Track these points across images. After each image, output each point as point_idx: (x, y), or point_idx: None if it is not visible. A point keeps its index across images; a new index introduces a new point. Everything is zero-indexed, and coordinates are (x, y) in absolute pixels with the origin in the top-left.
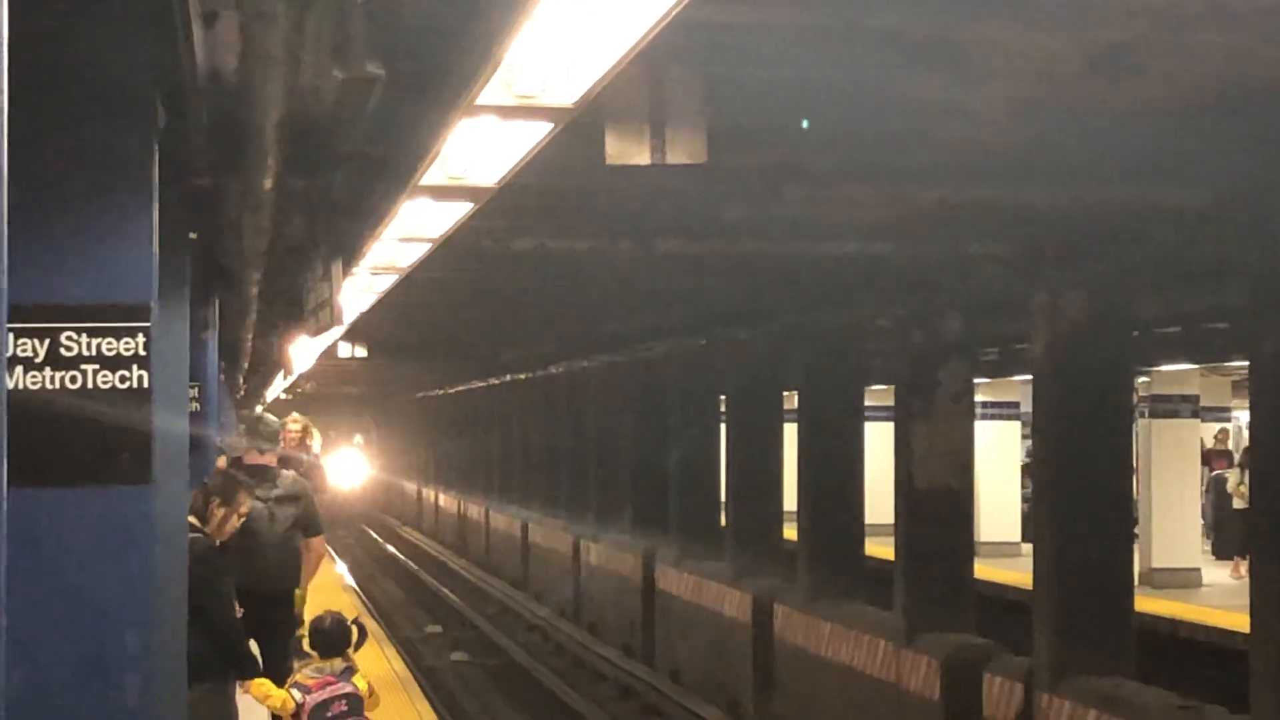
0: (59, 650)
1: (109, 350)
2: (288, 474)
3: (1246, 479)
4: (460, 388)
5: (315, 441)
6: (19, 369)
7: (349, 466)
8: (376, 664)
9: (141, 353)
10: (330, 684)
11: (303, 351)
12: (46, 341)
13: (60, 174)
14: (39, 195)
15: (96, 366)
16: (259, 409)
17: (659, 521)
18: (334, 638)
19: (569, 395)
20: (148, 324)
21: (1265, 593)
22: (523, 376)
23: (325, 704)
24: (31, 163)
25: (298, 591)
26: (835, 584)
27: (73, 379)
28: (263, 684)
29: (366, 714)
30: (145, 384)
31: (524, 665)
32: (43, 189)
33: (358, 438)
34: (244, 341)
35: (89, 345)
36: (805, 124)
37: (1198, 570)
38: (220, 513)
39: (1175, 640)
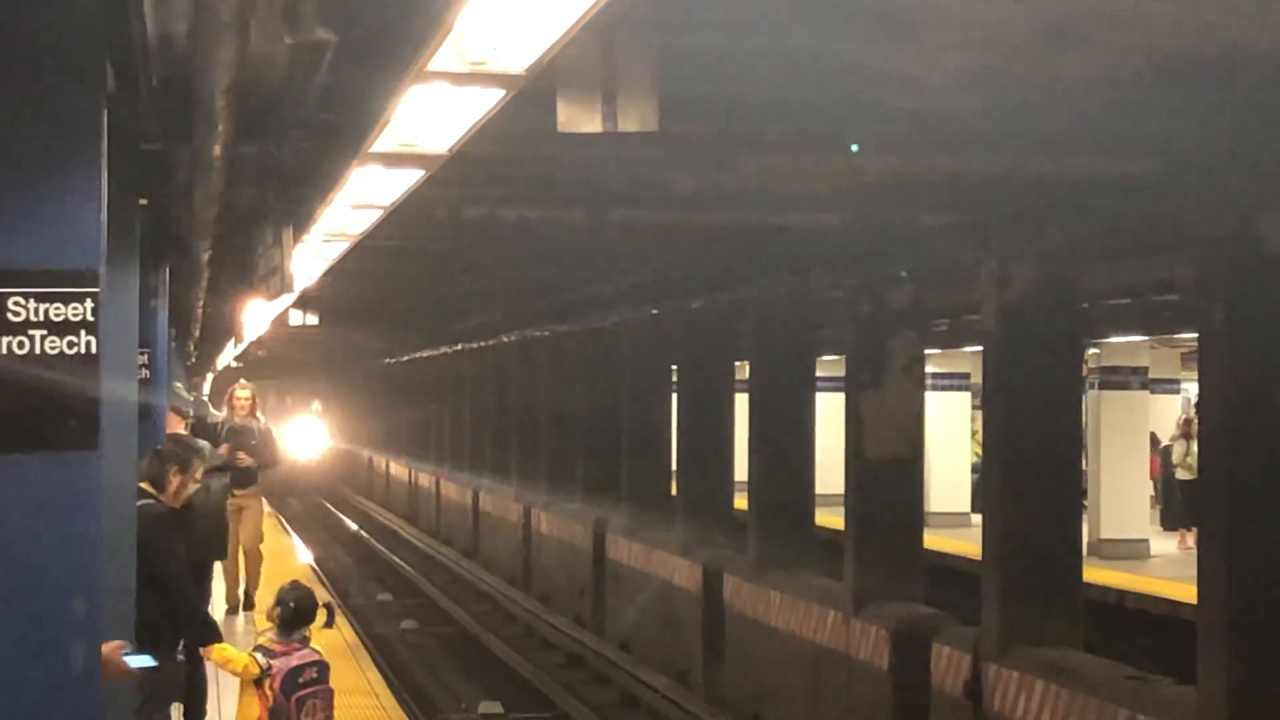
0: (3, 619)
1: (57, 315)
2: (206, 444)
3: (1193, 450)
4: (413, 356)
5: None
6: None
7: (306, 435)
8: (326, 632)
9: (90, 318)
10: (298, 651)
11: (254, 318)
12: None
13: (4, 138)
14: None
15: (44, 332)
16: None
17: (610, 491)
18: (301, 610)
19: (520, 364)
20: (96, 289)
21: (1211, 561)
22: (475, 345)
23: (298, 670)
24: None
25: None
26: (785, 554)
27: (20, 344)
28: (223, 649)
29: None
30: (93, 350)
31: (474, 634)
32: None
33: (316, 404)
34: (195, 308)
35: (36, 310)
36: (854, 148)
37: (1146, 541)
38: (176, 480)
39: (1123, 611)
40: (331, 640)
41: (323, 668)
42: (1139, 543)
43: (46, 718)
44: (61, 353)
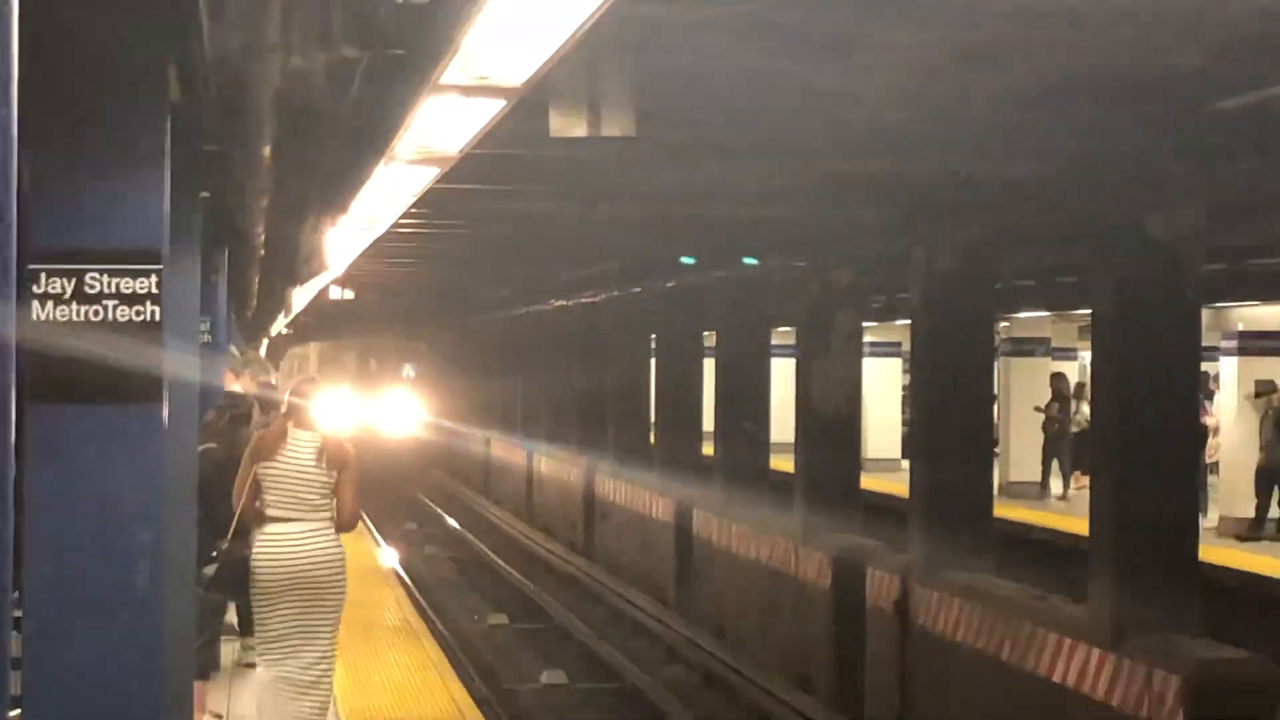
0: (80, 544)
1: (126, 289)
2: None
3: (1084, 409)
4: (433, 325)
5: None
6: (50, 303)
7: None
8: (366, 558)
9: (154, 291)
10: None
11: (299, 294)
12: (73, 280)
13: (86, 139)
14: (69, 157)
15: (115, 302)
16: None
17: (599, 441)
18: None
19: (525, 334)
20: (159, 267)
21: (1102, 501)
22: (484, 318)
23: None
24: (63, 129)
25: None
26: (745, 492)
27: (95, 313)
28: None
29: None
30: (157, 318)
31: (486, 560)
32: (71, 151)
33: (408, 370)
34: (251, 284)
35: (109, 284)
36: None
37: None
38: (229, 426)
39: (1027, 541)
40: (368, 563)
41: None
42: (1042, 483)
43: (115, 628)
44: (130, 320)
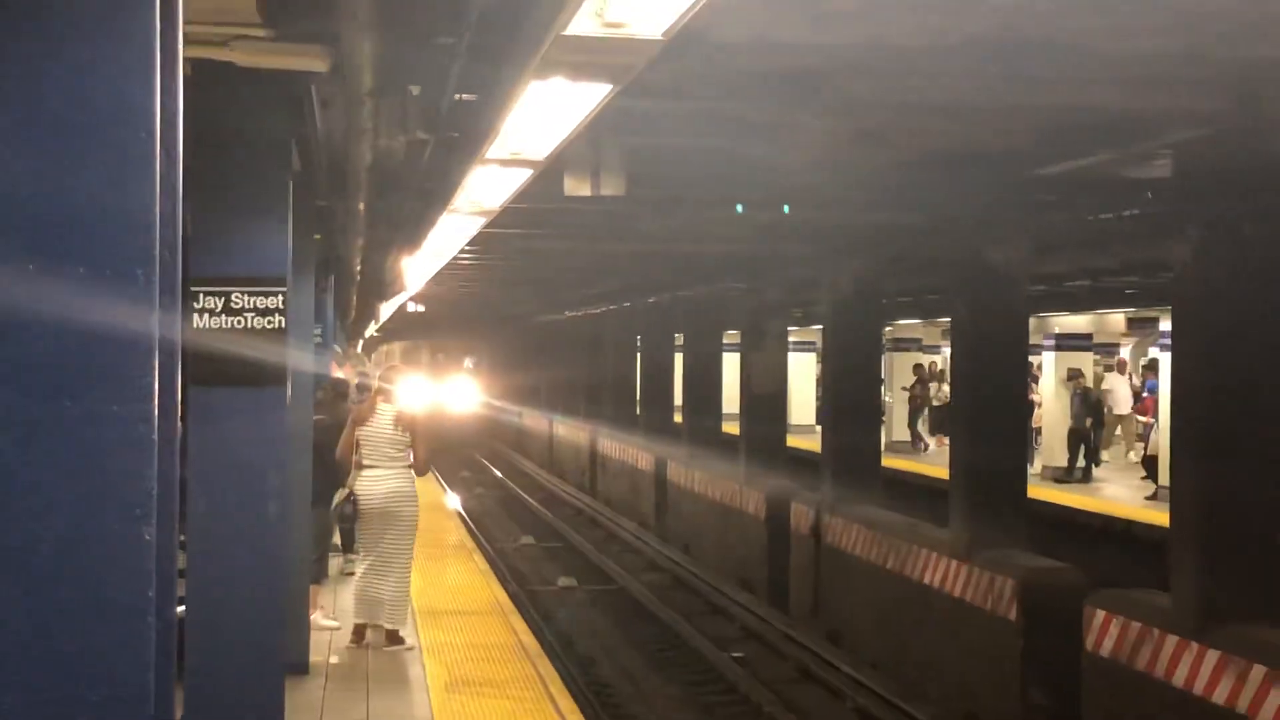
0: (228, 486)
1: (260, 304)
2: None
3: (944, 389)
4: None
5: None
6: (207, 315)
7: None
8: (434, 496)
9: (280, 306)
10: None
11: (385, 307)
12: (222, 299)
13: (234, 198)
14: (222, 211)
15: (254, 314)
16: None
17: (601, 415)
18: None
19: (547, 337)
20: (284, 289)
21: (957, 455)
22: (518, 325)
23: None
24: (215, 188)
25: None
26: (704, 449)
27: (239, 322)
28: None
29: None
30: (283, 326)
31: (519, 497)
32: (222, 205)
33: (467, 362)
34: (350, 300)
35: (248, 301)
36: (786, 209)
37: (1087, 468)
38: (337, 402)
39: (904, 483)
40: (435, 498)
41: None
42: (913, 442)
43: (252, 548)
44: (264, 328)
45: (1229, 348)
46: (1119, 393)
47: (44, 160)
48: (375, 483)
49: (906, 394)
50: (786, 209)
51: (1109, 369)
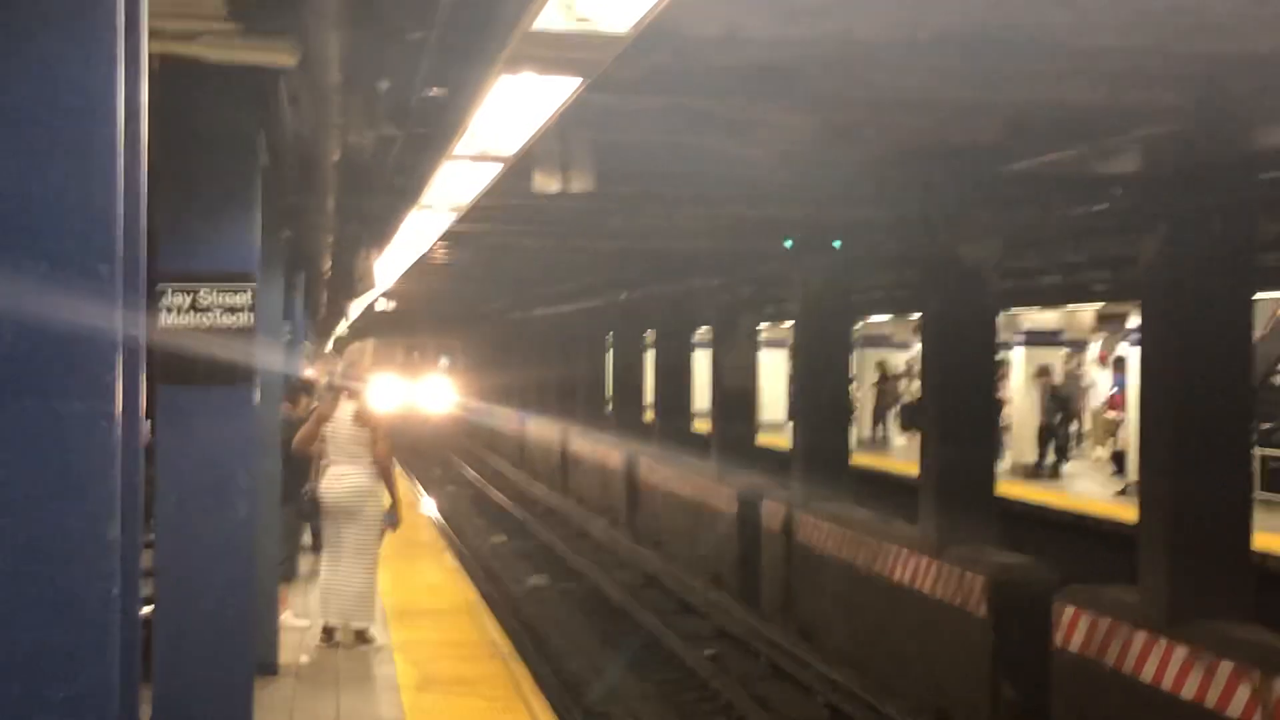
0: (197, 485)
1: (228, 302)
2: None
3: (914, 386)
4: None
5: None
6: (174, 312)
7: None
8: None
9: (249, 303)
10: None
11: (355, 305)
12: (190, 295)
13: (200, 194)
14: (189, 207)
15: (221, 311)
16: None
17: (570, 411)
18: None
19: (516, 334)
20: (253, 284)
21: (928, 452)
22: (490, 323)
23: None
24: (180, 182)
25: None
26: (675, 446)
27: (205, 319)
28: None
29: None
30: (250, 323)
31: (491, 495)
32: (191, 203)
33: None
34: (320, 298)
35: (216, 298)
36: (837, 244)
37: (1056, 464)
38: (304, 400)
39: (876, 479)
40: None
41: None
42: (874, 437)
43: (222, 547)
44: (230, 326)
45: (1198, 342)
46: (1102, 385)
47: (4, 155)
48: (336, 480)
49: (874, 390)
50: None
51: (1094, 362)
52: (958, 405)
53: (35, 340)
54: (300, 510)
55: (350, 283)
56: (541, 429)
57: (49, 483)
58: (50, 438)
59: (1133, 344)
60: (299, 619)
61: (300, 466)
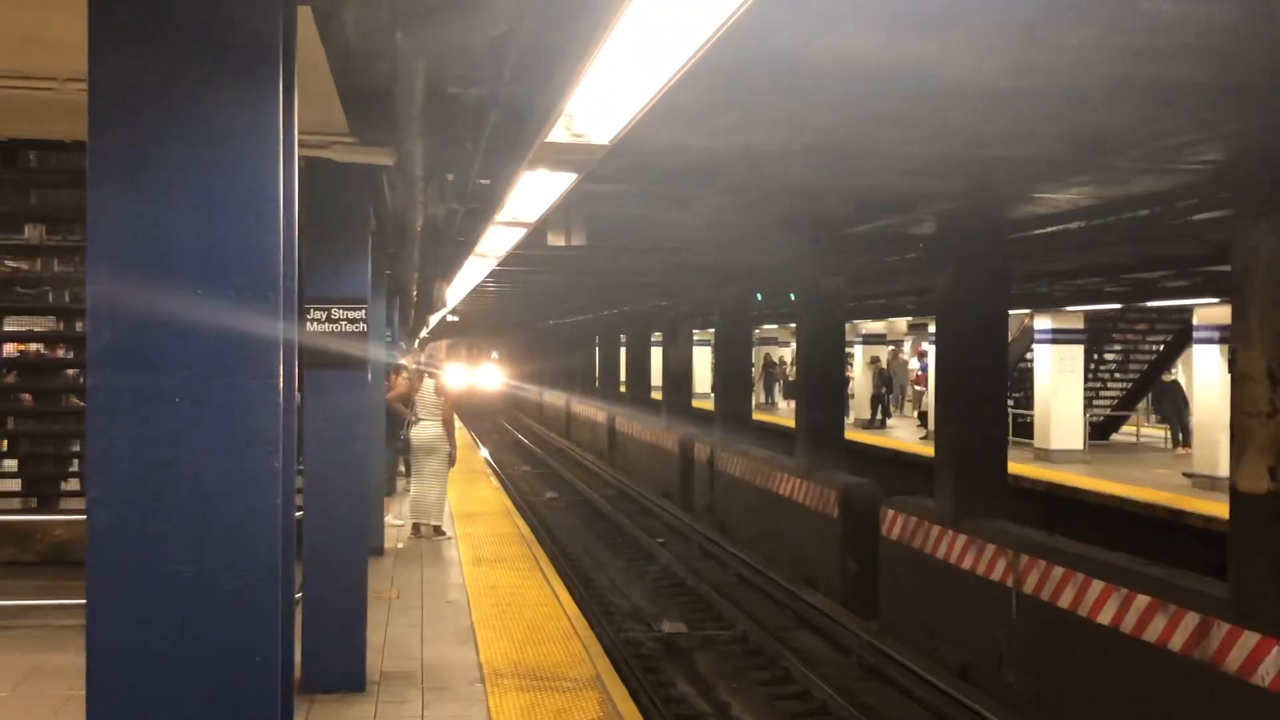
0: (330, 432)
1: (350, 316)
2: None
3: (791, 369)
4: (502, 332)
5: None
6: (315, 323)
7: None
8: (465, 440)
9: (363, 317)
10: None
11: (433, 317)
12: (325, 311)
13: (333, 249)
14: (325, 256)
15: (346, 322)
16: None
17: (574, 388)
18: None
19: (538, 337)
20: (366, 304)
21: (800, 412)
22: (525, 329)
23: None
24: (321, 243)
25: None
26: (640, 409)
27: (336, 327)
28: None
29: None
30: (364, 329)
31: (522, 443)
32: (326, 253)
33: (494, 354)
34: (409, 313)
35: (343, 314)
36: (759, 296)
37: (883, 420)
38: (396, 378)
39: (769, 430)
40: (466, 440)
41: None
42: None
43: (347, 472)
44: (352, 331)
45: (969, 341)
46: (913, 368)
47: (209, 222)
48: (421, 430)
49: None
50: (760, 297)
51: (908, 354)
52: (820, 382)
53: (229, 341)
54: (397, 448)
55: (429, 303)
56: (555, 398)
57: (239, 431)
58: (239, 403)
59: (931, 343)
60: (396, 520)
61: (395, 420)
